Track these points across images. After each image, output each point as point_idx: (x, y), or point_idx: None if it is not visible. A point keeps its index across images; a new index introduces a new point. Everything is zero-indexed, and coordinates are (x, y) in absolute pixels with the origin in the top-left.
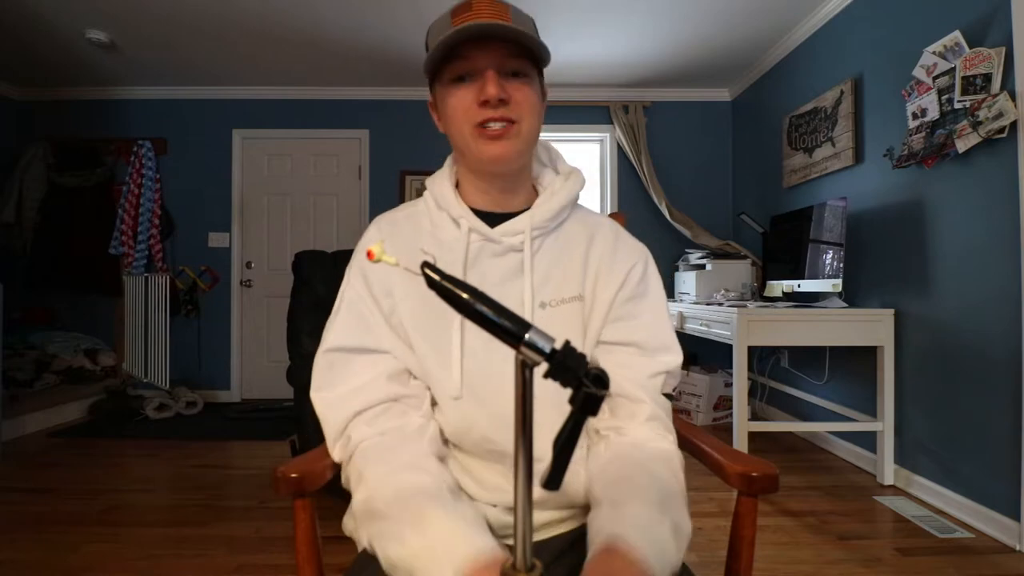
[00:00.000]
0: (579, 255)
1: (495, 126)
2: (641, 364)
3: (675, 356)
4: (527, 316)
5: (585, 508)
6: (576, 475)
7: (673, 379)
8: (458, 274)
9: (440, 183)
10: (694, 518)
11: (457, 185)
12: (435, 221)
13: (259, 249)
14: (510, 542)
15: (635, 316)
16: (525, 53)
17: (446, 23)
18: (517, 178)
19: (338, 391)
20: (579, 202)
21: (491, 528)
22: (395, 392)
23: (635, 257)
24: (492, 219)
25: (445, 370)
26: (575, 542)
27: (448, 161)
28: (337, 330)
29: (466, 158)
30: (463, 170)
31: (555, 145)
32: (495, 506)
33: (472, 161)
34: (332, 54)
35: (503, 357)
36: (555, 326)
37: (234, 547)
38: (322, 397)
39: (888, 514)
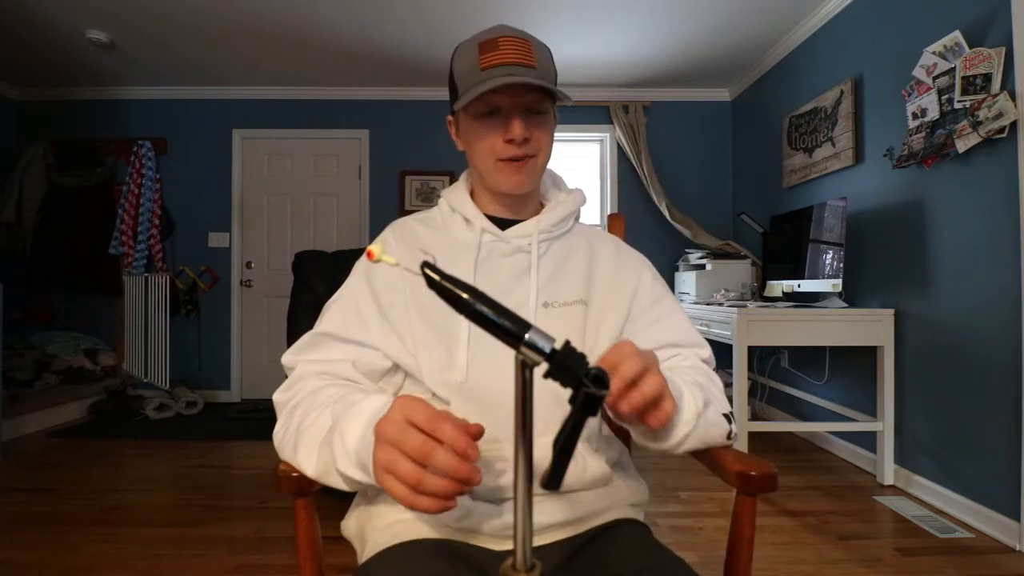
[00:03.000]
0: (583, 262)
1: (517, 161)
2: (688, 354)
3: (707, 348)
4: (531, 314)
5: (587, 515)
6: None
7: (712, 367)
8: (469, 271)
9: (456, 192)
10: (694, 518)
11: (471, 194)
12: (448, 223)
13: (259, 249)
14: (510, 545)
15: (663, 319)
16: (545, 92)
17: (473, 59)
18: (527, 195)
19: (307, 357)
20: (581, 220)
21: (490, 529)
22: (355, 378)
23: (640, 265)
24: (502, 224)
25: (450, 356)
26: (575, 552)
27: (463, 176)
28: (332, 317)
29: (484, 181)
30: (478, 184)
31: (555, 145)
32: (495, 503)
33: (491, 186)
34: (331, 54)
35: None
36: (557, 326)
37: (234, 547)
38: (291, 357)
39: (888, 514)
